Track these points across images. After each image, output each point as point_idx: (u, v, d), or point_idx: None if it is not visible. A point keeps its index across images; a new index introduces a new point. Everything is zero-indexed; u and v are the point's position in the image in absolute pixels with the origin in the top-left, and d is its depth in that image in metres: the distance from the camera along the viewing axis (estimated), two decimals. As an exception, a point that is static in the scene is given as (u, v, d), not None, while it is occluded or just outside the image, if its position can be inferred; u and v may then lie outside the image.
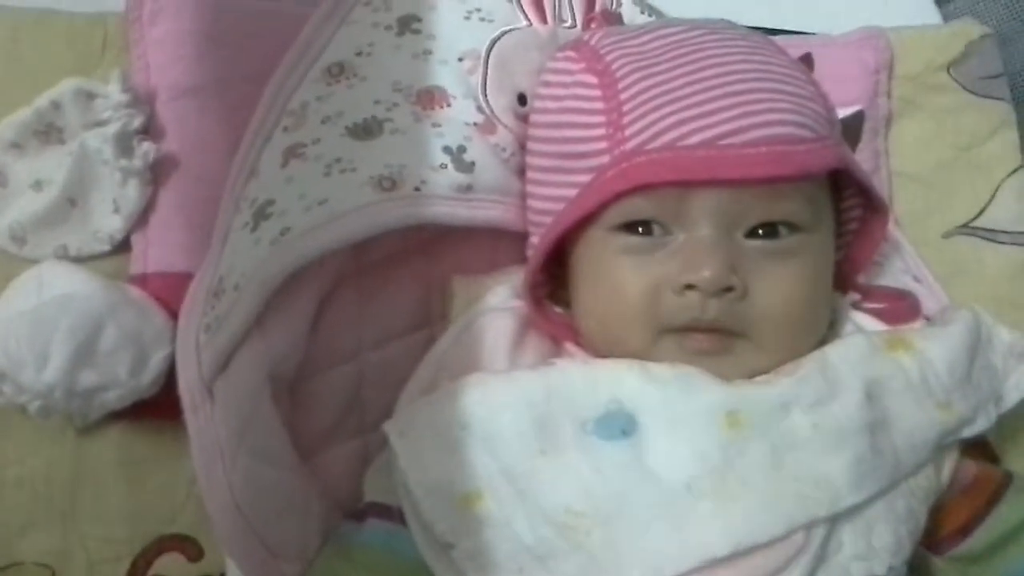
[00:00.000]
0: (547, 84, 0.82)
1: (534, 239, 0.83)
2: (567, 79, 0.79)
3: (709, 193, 0.72)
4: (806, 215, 0.74)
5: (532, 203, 0.83)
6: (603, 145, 0.74)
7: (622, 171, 0.73)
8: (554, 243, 0.78)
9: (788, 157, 0.72)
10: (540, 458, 0.70)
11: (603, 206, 0.74)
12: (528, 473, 0.70)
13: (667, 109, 0.72)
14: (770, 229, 0.73)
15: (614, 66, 0.76)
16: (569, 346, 0.80)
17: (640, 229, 0.74)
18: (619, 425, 0.70)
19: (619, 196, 0.73)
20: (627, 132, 0.73)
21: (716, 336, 0.73)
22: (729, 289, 0.71)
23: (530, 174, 0.83)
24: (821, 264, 0.77)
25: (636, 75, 0.75)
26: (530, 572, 0.68)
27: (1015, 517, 0.77)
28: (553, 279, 0.81)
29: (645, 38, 0.78)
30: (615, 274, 0.74)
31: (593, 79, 0.77)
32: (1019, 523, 0.77)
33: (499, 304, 0.82)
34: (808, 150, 0.73)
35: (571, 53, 0.81)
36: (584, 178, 0.75)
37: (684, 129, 0.71)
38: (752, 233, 0.73)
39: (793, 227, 0.74)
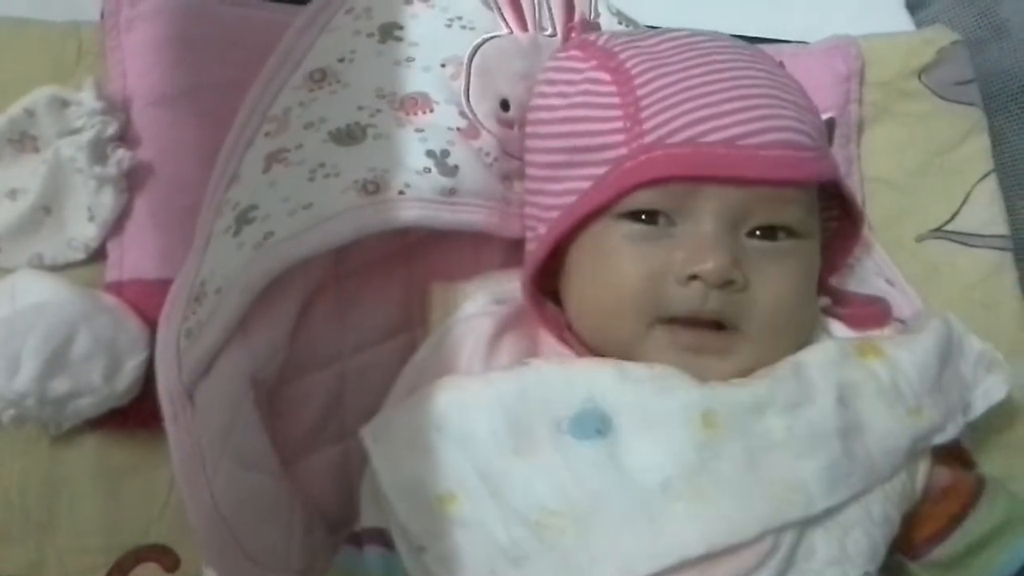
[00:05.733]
0: (551, 82, 0.83)
1: (530, 234, 0.83)
2: (575, 76, 0.81)
3: (720, 190, 0.73)
4: (804, 222, 0.76)
5: (535, 199, 0.83)
6: (620, 138, 0.75)
7: (641, 163, 0.74)
8: (561, 235, 0.78)
9: (800, 163, 0.75)
10: (514, 458, 0.70)
11: (618, 197, 0.75)
12: (502, 473, 0.70)
13: (686, 106, 0.74)
14: (768, 231, 0.75)
15: (628, 64, 0.78)
16: (554, 344, 0.80)
17: (643, 217, 0.75)
18: (594, 424, 0.71)
19: (635, 188, 0.74)
20: (645, 126, 0.74)
21: (712, 334, 0.74)
22: (731, 283, 0.72)
23: (533, 171, 0.84)
24: (812, 269, 0.79)
25: (652, 73, 0.76)
26: (503, 575, 0.68)
27: (990, 521, 0.78)
28: (545, 275, 0.81)
29: (654, 40, 0.80)
30: (617, 259, 0.75)
31: (606, 76, 0.78)
32: (994, 527, 0.78)
33: (477, 311, 0.82)
34: (815, 157, 0.76)
35: (576, 52, 0.82)
36: (598, 171, 0.76)
37: (703, 127, 0.73)
38: (751, 233, 0.75)
39: (790, 232, 0.76)
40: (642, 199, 0.74)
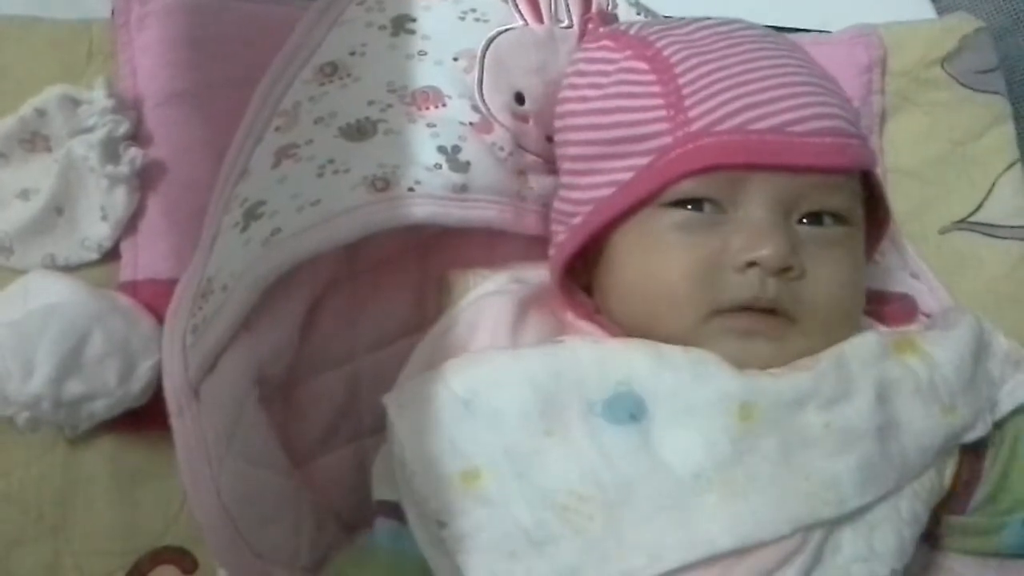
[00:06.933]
0: (582, 74, 0.82)
1: (560, 227, 0.82)
2: (608, 67, 0.80)
3: (769, 177, 0.73)
4: (851, 208, 0.76)
5: (567, 193, 0.82)
6: (663, 127, 0.75)
7: (688, 152, 0.73)
8: (602, 225, 0.77)
9: (847, 149, 0.75)
10: (544, 439, 0.69)
11: (664, 187, 0.74)
12: (530, 453, 0.69)
13: (732, 93, 0.74)
14: (815, 218, 0.74)
15: (665, 52, 0.77)
16: (583, 324, 0.79)
17: (690, 206, 0.74)
18: (627, 409, 0.69)
19: (683, 177, 0.73)
20: (691, 114, 0.74)
21: (770, 319, 0.73)
22: (788, 269, 0.71)
23: (568, 164, 0.83)
24: (860, 257, 0.79)
25: (692, 60, 0.76)
26: (523, 557, 0.67)
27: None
28: (572, 266, 0.81)
29: (689, 28, 0.80)
30: (667, 249, 0.74)
31: (643, 65, 0.78)
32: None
33: (497, 288, 0.81)
34: (858, 144, 0.77)
35: (607, 43, 0.82)
36: (641, 161, 0.76)
37: (752, 114, 0.73)
38: (801, 220, 0.74)
39: (838, 218, 0.75)
40: (688, 188, 0.74)
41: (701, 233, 0.73)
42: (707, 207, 0.74)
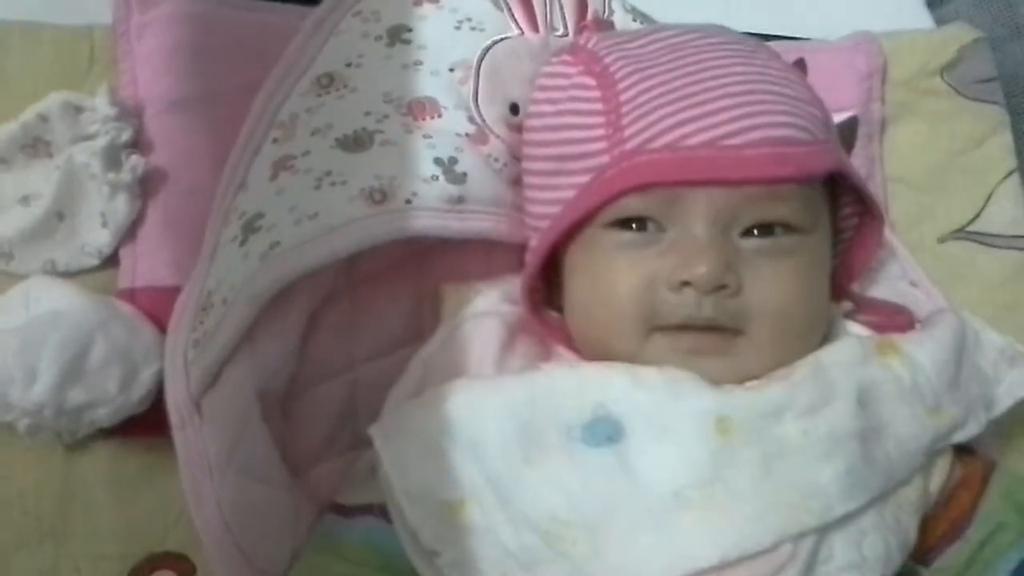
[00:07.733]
0: (543, 88, 0.82)
1: (531, 244, 0.82)
2: (564, 82, 0.80)
3: (707, 192, 0.72)
4: (803, 216, 0.74)
5: (530, 208, 0.83)
6: (602, 145, 0.74)
7: (622, 171, 0.73)
8: (551, 246, 0.77)
9: (788, 158, 0.73)
10: (524, 466, 0.69)
11: (601, 206, 0.74)
12: (513, 481, 0.69)
13: (667, 109, 0.73)
14: (766, 229, 0.73)
15: (612, 68, 0.77)
16: (561, 350, 0.79)
17: (634, 225, 0.74)
18: (605, 432, 0.70)
19: (618, 196, 0.73)
20: (627, 132, 0.73)
21: (712, 336, 0.72)
22: (723, 287, 0.71)
23: (527, 179, 0.83)
24: (817, 264, 0.77)
25: (635, 76, 0.75)
26: None
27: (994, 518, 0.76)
28: (548, 284, 0.81)
29: (641, 41, 0.79)
30: (608, 270, 0.74)
31: (591, 81, 0.77)
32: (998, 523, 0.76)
33: (488, 308, 0.81)
34: (807, 152, 0.74)
35: (567, 57, 0.81)
36: (583, 179, 0.76)
37: (685, 130, 0.72)
38: (748, 232, 0.73)
39: (789, 228, 0.74)
40: (628, 207, 0.73)
41: (641, 252, 0.73)
42: (650, 225, 0.73)
